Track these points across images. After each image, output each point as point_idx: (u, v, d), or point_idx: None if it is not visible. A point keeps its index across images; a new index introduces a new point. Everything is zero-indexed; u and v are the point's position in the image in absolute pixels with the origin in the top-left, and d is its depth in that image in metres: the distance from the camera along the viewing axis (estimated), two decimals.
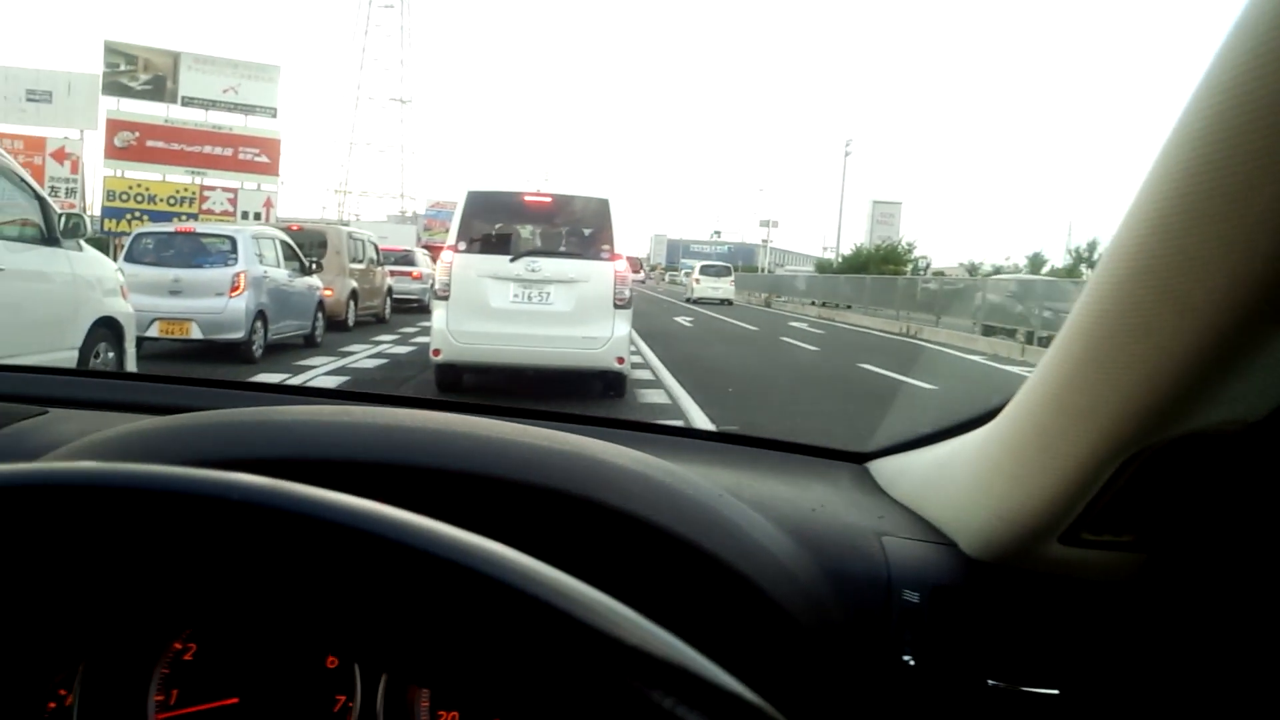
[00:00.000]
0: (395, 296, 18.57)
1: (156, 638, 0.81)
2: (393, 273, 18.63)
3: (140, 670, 0.80)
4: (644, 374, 10.77)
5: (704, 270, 39.84)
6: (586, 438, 0.84)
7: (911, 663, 0.80)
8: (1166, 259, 0.52)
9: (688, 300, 38.10)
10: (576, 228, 8.82)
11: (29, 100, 33.39)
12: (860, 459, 1.17)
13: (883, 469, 1.11)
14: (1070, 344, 0.65)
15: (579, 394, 8.60)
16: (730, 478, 0.96)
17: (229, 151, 36.02)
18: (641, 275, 52.29)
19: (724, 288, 37.70)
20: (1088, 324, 0.63)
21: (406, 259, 21.19)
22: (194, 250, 10.50)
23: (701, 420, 7.97)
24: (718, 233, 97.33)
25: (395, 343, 13.43)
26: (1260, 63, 0.42)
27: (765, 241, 78.64)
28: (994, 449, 0.81)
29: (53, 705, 0.77)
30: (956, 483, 0.90)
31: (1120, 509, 0.72)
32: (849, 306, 30.19)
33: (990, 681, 0.79)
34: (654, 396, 9.12)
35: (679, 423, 7.46)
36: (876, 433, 6.78)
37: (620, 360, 8.28)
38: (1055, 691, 0.79)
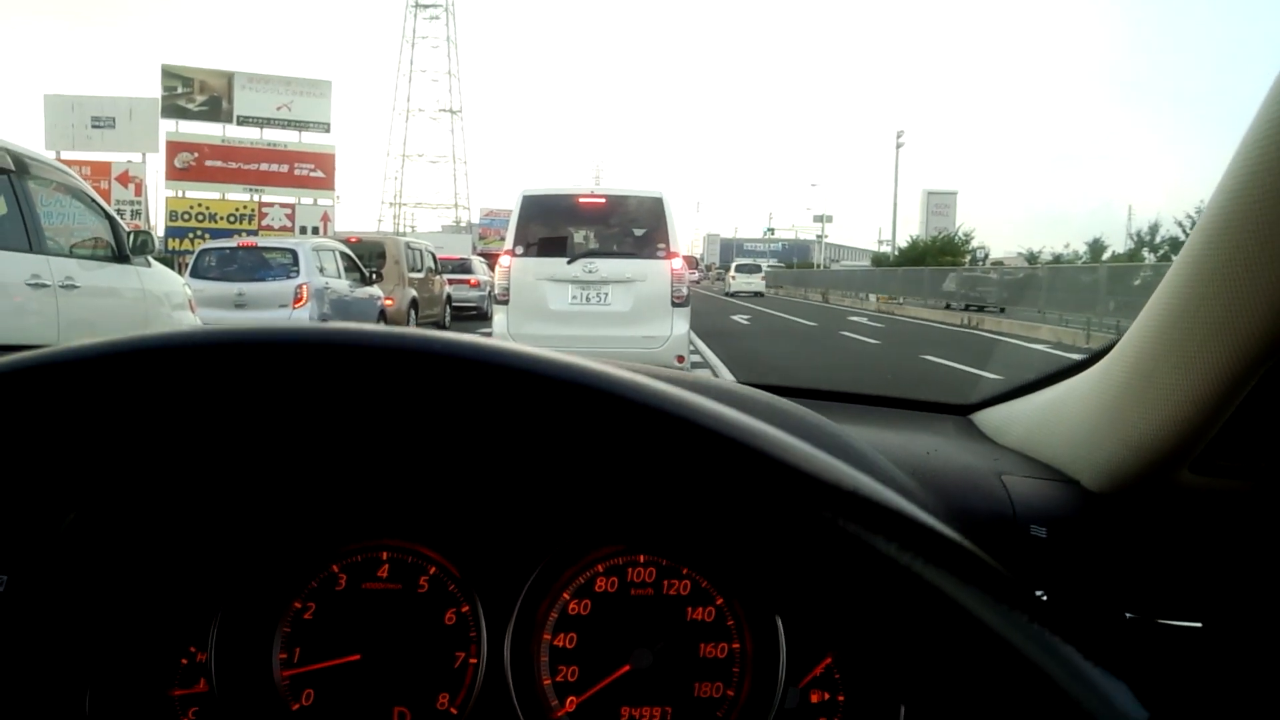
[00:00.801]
0: (454, 304, 18.74)
1: (279, 595, 0.83)
2: (450, 281, 18.79)
3: (264, 628, 0.82)
4: (704, 373, 10.71)
5: (738, 269, 47.14)
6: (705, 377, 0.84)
7: (1045, 598, 0.78)
8: None
9: (726, 294, 43.03)
10: (631, 226, 8.73)
11: (94, 127, 34.44)
12: (963, 410, 1.17)
13: (988, 419, 1.10)
14: (1205, 246, 0.61)
15: None
16: (838, 427, 0.96)
17: (285, 168, 36.67)
18: (697, 275, 53.22)
19: (755, 282, 44.32)
20: (1223, 226, 0.59)
21: (464, 267, 21.35)
22: (257, 264, 10.69)
23: None
24: (771, 230, 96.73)
25: None
26: None
27: (820, 237, 78.11)
28: (1120, 377, 0.78)
29: (184, 662, 0.81)
30: (1075, 420, 0.87)
31: (1253, 433, 0.69)
32: (960, 306, 29.46)
33: (1128, 615, 0.77)
34: None
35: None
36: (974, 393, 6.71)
37: (680, 359, 8.23)
38: (1198, 625, 0.77)
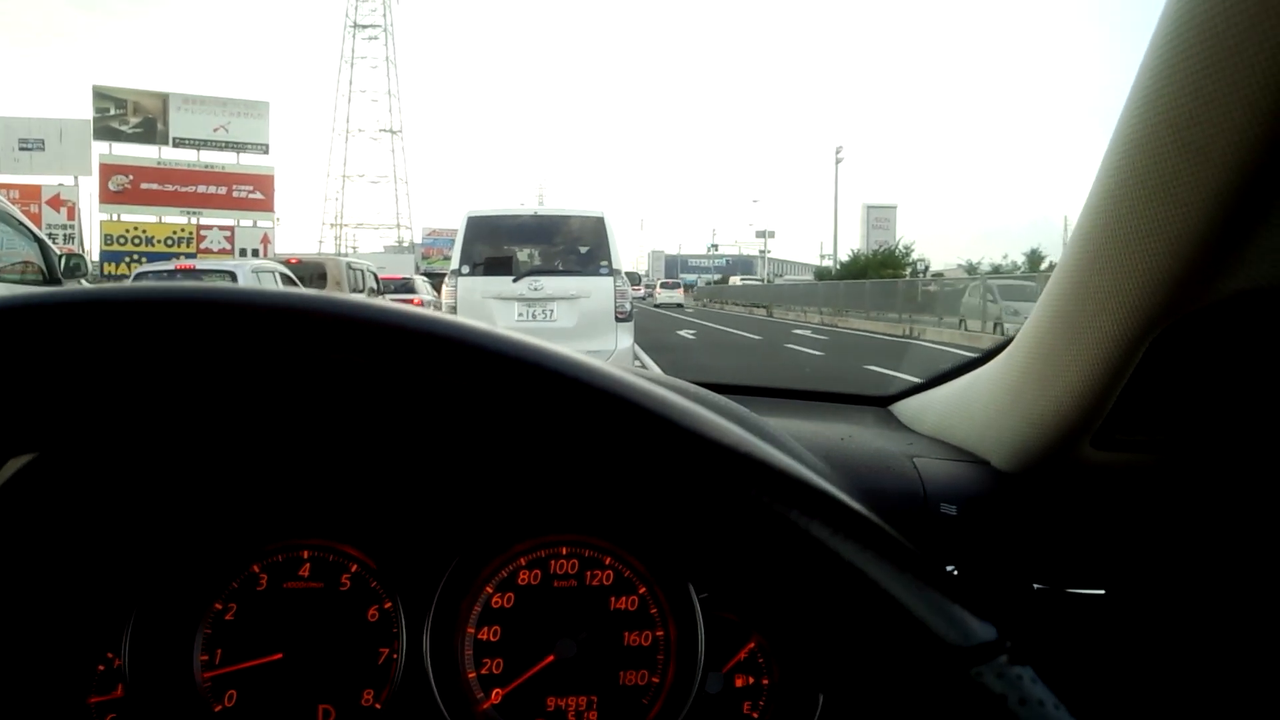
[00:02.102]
0: None
1: (198, 597, 0.83)
2: (394, 301, 18.57)
3: (184, 631, 0.82)
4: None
5: (661, 285, 57.93)
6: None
7: (955, 572, 0.81)
8: (1184, 107, 0.50)
9: (654, 306, 50.07)
10: (575, 245, 9.04)
11: (22, 149, 33.68)
12: (882, 402, 1.20)
13: (905, 409, 1.13)
14: (1091, 224, 0.63)
15: None
16: (756, 415, 0.98)
17: (223, 190, 36.18)
18: (641, 291, 55.41)
19: (676, 296, 54.26)
20: (1107, 197, 0.61)
21: (406, 286, 21.15)
22: None
23: None
24: (714, 246, 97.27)
25: None
26: None
27: (763, 252, 78.77)
28: (1022, 357, 0.81)
29: (101, 668, 0.80)
30: (984, 402, 0.90)
31: (1147, 408, 0.71)
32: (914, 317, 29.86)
33: (1035, 585, 0.80)
34: None
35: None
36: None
37: None
38: (1101, 592, 0.80)
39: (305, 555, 0.85)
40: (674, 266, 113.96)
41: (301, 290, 0.38)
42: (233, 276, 10.48)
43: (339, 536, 0.85)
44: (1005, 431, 0.85)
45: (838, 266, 56.04)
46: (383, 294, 17.61)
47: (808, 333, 24.23)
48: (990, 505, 0.85)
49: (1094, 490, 0.82)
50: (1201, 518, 0.80)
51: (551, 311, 8.54)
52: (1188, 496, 0.80)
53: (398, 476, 0.83)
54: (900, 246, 55.22)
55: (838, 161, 54.29)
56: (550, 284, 8.52)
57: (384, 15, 72.64)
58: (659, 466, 0.37)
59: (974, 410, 0.93)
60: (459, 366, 0.37)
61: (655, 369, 12.40)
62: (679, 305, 52.28)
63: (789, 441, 0.84)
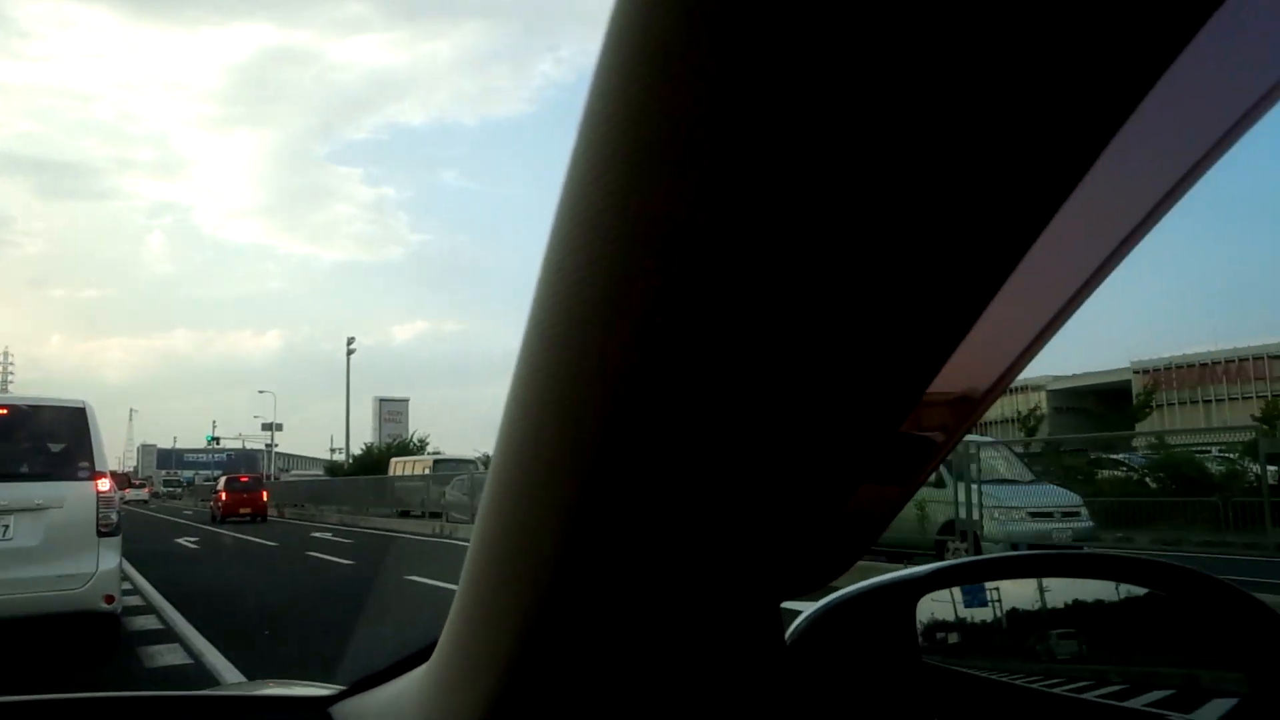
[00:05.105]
0: None
1: None
2: None
3: None
4: (148, 621, 8.59)
5: (130, 485, 61.20)
6: None
7: None
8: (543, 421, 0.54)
9: (124, 502, 48.67)
10: (44, 442, 7.42)
11: None
12: (322, 704, 1.11)
13: (345, 712, 1.07)
14: (483, 539, 0.64)
15: (56, 657, 6.69)
16: None
17: None
18: (128, 494, 50.84)
19: (142, 494, 63.26)
20: (493, 501, 0.63)
21: None
22: None
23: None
24: (216, 439, 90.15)
25: None
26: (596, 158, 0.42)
27: (269, 446, 74.46)
28: (435, 676, 0.79)
29: None
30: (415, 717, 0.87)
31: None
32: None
33: None
34: (170, 656, 7.17)
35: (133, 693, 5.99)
36: (341, 664, 5.93)
37: (109, 599, 6.92)
38: None
39: None
40: (168, 460, 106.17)
41: None
42: None
43: None
44: None
45: (350, 461, 54.47)
46: None
47: (329, 536, 22.27)
48: None
49: None
50: None
51: (8, 528, 6.73)
52: None
53: None
54: (414, 439, 55.31)
55: (349, 353, 53.49)
56: (8, 492, 6.77)
57: None
58: None
59: None
60: None
61: (154, 593, 10.19)
62: (145, 501, 61.23)
63: None
